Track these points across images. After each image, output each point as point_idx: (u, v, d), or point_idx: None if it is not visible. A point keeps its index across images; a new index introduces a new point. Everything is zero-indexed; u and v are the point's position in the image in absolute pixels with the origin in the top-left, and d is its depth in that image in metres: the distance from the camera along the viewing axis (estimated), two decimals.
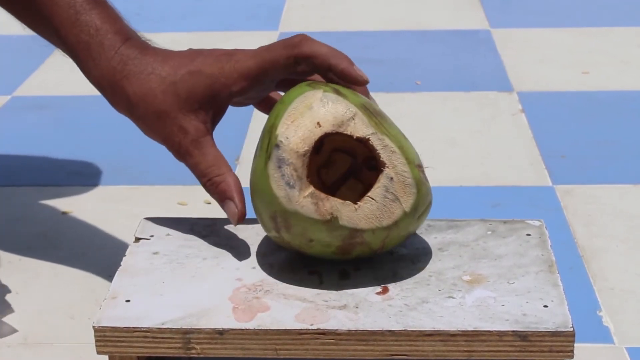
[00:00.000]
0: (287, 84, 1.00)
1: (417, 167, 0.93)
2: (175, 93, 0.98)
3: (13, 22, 1.09)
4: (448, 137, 1.73)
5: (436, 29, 2.33)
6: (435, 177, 1.57)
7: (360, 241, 0.91)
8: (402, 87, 1.96)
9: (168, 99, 0.98)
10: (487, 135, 1.73)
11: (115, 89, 1.01)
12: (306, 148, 0.91)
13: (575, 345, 0.87)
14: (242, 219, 0.95)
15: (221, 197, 0.98)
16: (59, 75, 2.04)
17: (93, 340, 0.89)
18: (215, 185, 0.98)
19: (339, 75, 0.95)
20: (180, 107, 0.98)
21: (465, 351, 0.87)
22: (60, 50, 1.07)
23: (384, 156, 0.91)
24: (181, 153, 0.97)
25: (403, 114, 1.82)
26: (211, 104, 0.99)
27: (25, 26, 1.10)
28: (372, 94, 1.00)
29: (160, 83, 0.99)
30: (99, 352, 0.90)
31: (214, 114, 1.00)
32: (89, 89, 1.04)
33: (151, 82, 0.99)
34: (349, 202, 0.91)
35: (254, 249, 1.01)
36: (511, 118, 1.80)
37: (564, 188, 1.53)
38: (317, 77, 1.00)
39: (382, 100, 1.91)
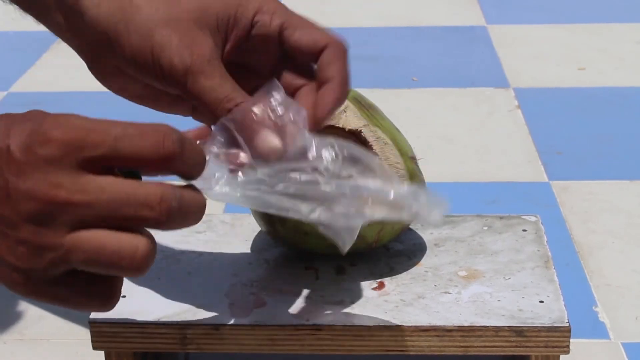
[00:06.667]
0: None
1: (410, 159, 0.93)
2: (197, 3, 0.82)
3: (9, 19, 1.08)
4: (444, 134, 1.73)
5: (432, 25, 2.33)
6: (431, 173, 1.56)
7: None
8: (398, 84, 1.96)
9: (185, 6, 0.81)
10: (483, 131, 1.73)
11: None
12: None
13: (571, 340, 0.87)
14: (281, 155, 0.74)
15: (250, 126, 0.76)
16: (56, 72, 2.03)
17: (89, 336, 0.89)
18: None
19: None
20: (197, 17, 0.80)
21: (462, 346, 0.87)
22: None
23: (376, 148, 0.91)
24: (192, 71, 0.77)
25: (399, 110, 1.82)
26: (230, 28, 0.82)
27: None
28: (368, 90, 1.00)
29: None
30: (94, 348, 0.90)
31: (230, 44, 0.83)
32: (86, 86, 1.03)
33: None
34: None
35: (249, 245, 1.01)
36: (507, 114, 1.80)
37: (560, 184, 1.53)
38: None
39: (378, 97, 1.90)
